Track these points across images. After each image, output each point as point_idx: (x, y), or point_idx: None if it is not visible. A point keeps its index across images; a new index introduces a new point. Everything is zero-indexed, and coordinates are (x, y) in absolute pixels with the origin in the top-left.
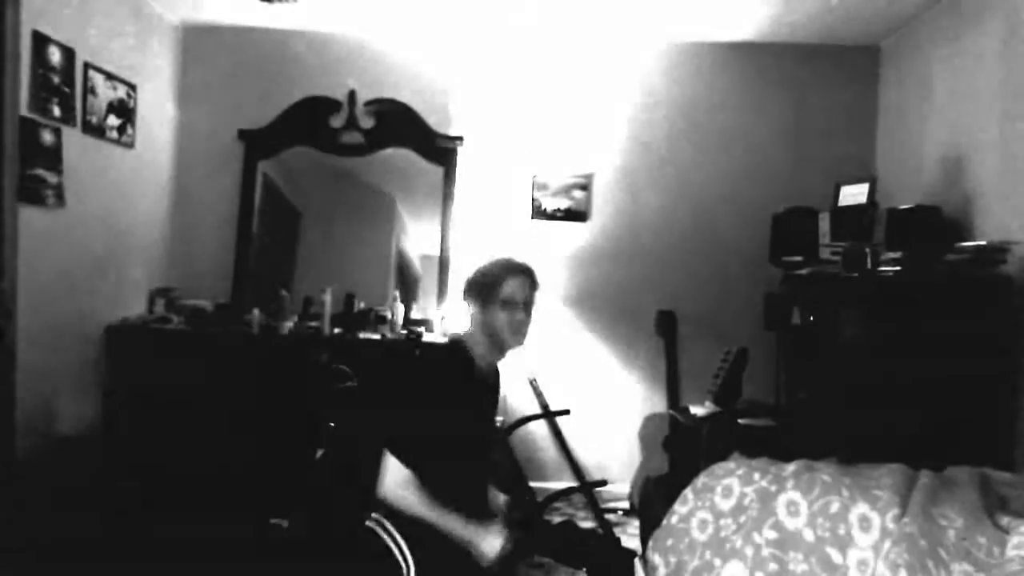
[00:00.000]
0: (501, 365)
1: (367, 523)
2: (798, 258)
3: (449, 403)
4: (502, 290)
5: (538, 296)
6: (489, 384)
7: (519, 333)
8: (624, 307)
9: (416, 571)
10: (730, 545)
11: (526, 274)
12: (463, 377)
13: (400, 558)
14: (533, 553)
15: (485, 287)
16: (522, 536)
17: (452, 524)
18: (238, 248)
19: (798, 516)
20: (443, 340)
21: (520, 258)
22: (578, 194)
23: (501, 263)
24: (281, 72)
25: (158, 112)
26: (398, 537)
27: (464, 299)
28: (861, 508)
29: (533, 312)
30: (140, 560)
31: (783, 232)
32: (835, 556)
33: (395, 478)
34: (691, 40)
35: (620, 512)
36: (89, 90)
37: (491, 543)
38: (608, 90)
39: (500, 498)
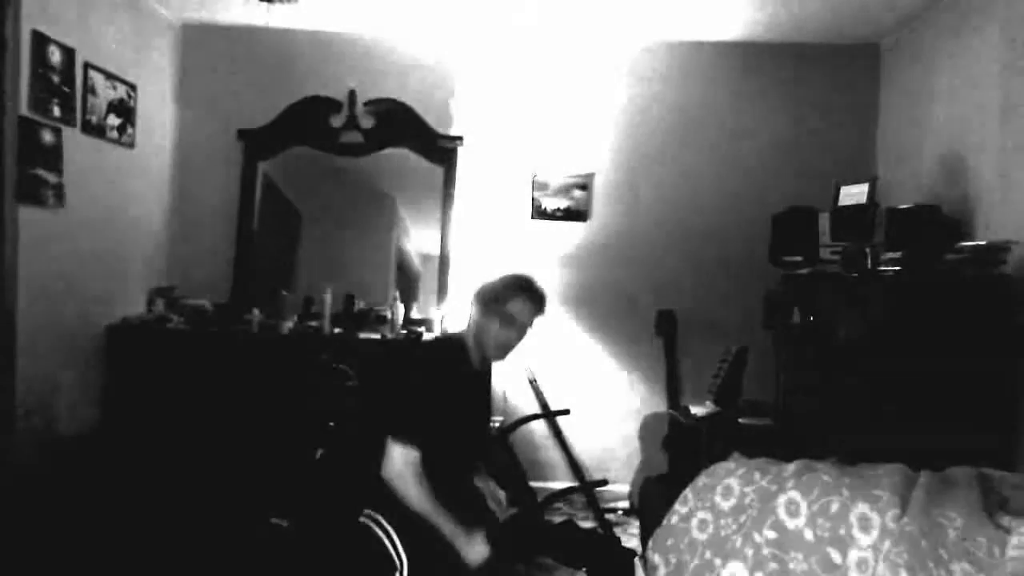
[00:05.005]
0: (495, 365)
1: (361, 519)
2: (798, 258)
3: (441, 385)
4: (508, 306)
5: (539, 322)
6: (478, 372)
7: (504, 350)
8: (624, 307)
9: (409, 569)
10: (730, 545)
11: (537, 302)
12: (455, 363)
13: (394, 555)
14: (528, 555)
15: (494, 296)
16: (513, 541)
17: (443, 522)
18: (238, 248)
19: (798, 516)
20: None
21: (539, 283)
22: (578, 194)
23: (521, 280)
24: (281, 72)
25: (158, 112)
26: (392, 533)
27: (472, 298)
28: (861, 508)
29: (526, 336)
30: (140, 560)
31: (783, 232)
32: (835, 556)
33: (402, 459)
34: (691, 40)
35: (620, 512)
36: (89, 90)
37: (476, 550)
38: (608, 90)
39: (500, 494)
